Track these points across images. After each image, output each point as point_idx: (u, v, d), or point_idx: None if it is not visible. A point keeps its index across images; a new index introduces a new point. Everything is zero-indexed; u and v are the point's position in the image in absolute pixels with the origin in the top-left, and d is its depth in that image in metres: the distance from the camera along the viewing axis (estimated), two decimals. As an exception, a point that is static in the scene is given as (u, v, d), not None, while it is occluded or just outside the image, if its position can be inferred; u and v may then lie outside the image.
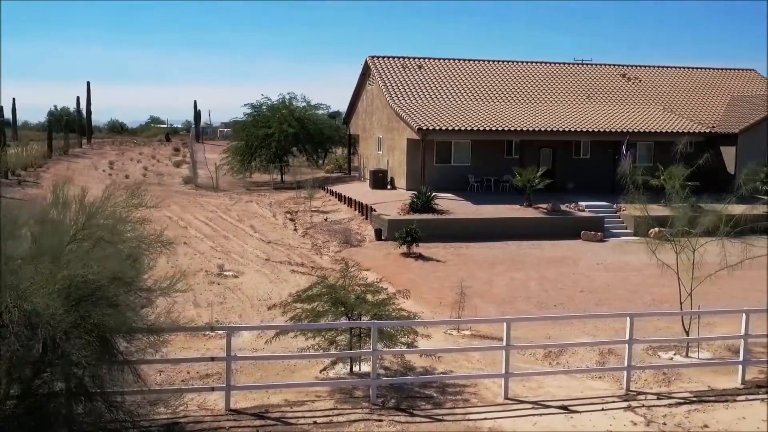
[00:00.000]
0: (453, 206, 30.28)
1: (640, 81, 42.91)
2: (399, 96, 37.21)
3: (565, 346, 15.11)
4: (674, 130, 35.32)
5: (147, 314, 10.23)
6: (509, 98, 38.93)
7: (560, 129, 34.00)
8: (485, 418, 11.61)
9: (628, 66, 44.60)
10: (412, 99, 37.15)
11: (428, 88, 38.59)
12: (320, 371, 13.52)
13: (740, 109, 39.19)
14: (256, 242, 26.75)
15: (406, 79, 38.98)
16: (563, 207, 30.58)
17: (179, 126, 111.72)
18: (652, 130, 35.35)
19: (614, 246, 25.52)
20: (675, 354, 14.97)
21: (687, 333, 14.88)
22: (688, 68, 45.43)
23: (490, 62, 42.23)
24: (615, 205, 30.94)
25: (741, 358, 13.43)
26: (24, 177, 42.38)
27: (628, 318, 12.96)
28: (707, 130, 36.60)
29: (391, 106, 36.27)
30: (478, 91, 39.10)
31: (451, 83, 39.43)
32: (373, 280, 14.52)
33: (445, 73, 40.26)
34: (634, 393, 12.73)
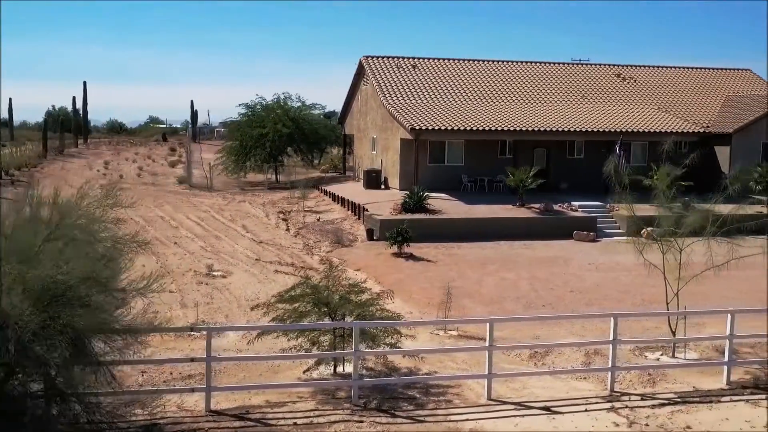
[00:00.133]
0: (446, 206, 30.21)
1: (635, 81, 42.85)
2: (393, 96, 37.14)
3: (550, 346, 15.03)
4: (668, 130, 35.23)
5: (123, 315, 10.14)
6: (504, 98, 38.87)
7: (554, 129, 33.93)
8: (467, 419, 11.54)
9: (623, 66, 44.54)
10: (406, 99, 37.08)
11: (422, 88, 38.53)
12: (303, 372, 13.46)
13: (735, 109, 39.13)
14: (247, 242, 26.67)
15: (401, 79, 38.91)
16: (556, 207, 30.52)
17: (178, 126, 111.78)
18: (647, 130, 35.28)
19: (606, 246, 25.46)
20: (662, 354, 14.91)
21: (673, 333, 14.82)
22: (684, 68, 45.37)
23: (485, 62, 42.17)
24: (608, 205, 30.86)
25: (726, 359, 13.36)
26: (18, 177, 42.29)
27: (612, 318, 12.88)
28: (701, 130, 36.54)
29: (384, 106, 36.20)
30: (473, 91, 39.03)
31: (446, 83, 39.36)
32: (358, 280, 14.44)
33: (439, 73, 40.19)
34: (618, 394, 12.66)
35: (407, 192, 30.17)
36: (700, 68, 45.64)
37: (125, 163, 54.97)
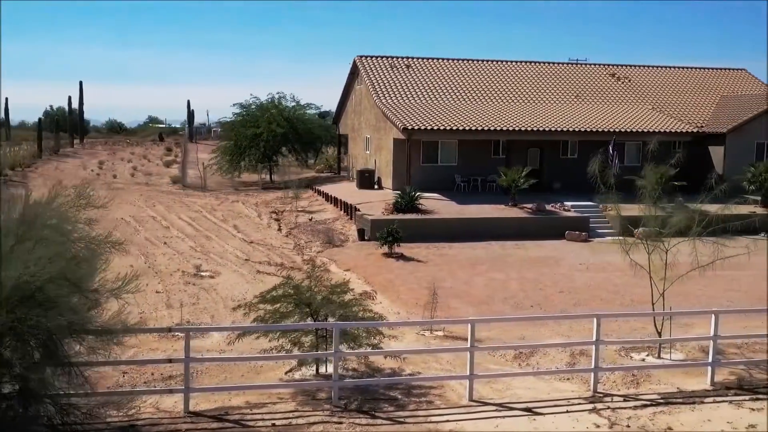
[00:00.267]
0: (438, 206, 30.13)
1: (629, 81, 42.78)
2: (386, 95, 37.06)
3: (534, 347, 14.95)
4: (662, 130, 35.19)
5: (97, 316, 10.05)
6: (498, 98, 38.79)
7: (547, 129, 33.85)
8: (447, 420, 11.47)
9: (617, 65, 44.47)
10: (399, 98, 37.00)
11: (416, 87, 38.45)
12: (286, 373, 13.39)
13: (729, 109, 39.06)
14: (237, 242, 26.58)
15: (394, 79, 38.84)
16: (548, 207, 30.44)
17: (178, 126, 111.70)
18: (641, 130, 35.18)
19: (598, 246, 25.37)
20: (648, 355, 14.82)
21: (659, 334, 14.73)
22: (679, 68, 45.29)
23: (480, 62, 42.09)
24: (601, 205, 30.76)
25: (710, 360, 13.28)
26: (11, 177, 42.21)
27: (594, 319, 12.81)
28: (695, 130, 36.46)
29: (377, 106, 36.12)
30: (467, 91, 38.95)
31: (440, 83, 39.28)
32: (343, 280, 14.36)
33: (433, 73, 40.12)
34: (601, 395, 12.59)
35: (399, 192, 30.08)
36: (696, 68, 45.57)
37: (120, 163, 54.87)
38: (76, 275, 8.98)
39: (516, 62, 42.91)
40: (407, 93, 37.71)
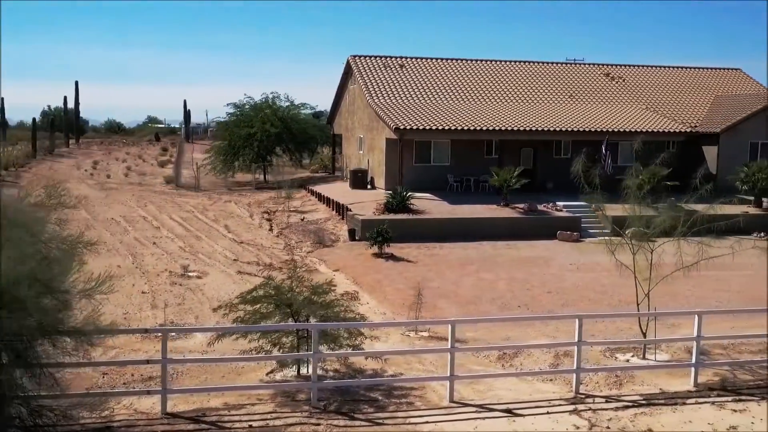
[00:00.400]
0: (429, 206, 30.04)
1: (623, 80, 42.71)
2: (379, 95, 36.98)
3: (516, 347, 14.86)
4: (656, 130, 35.14)
5: (71, 317, 9.96)
6: (491, 98, 38.71)
7: (540, 129, 33.76)
8: (426, 422, 11.39)
9: (612, 65, 44.40)
10: (392, 98, 36.92)
11: (409, 87, 38.37)
12: (267, 374, 13.30)
13: (724, 109, 38.98)
14: (227, 243, 26.49)
15: (388, 79, 38.76)
16: (540, 207, 30.36)
17: (177, 126, 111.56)
18: (634, 130, 35.07)
19: (589, 246, 25.25)
20: (632, 356, 14.74)
21: (644, 335, 14.66)
22: (674, 67, 45.22)
23: (474, 61, 42.03)
24: (593, 205, 30.64)
25: (693, 360, 13.20)
26: (4, 177, 42.10)
27: (576, 320, 12.73)
28: (688, 130, 36.38)
29: (370, 106, 36.04)
30: (460, 91, 38.88)
31: (433, 82, 39.20)
32: (323, 281, 14.27)
33: (427, 73, 40.05)
34: (583, 396, 12.50)
35: (390, 192, 30.00)
36: (690, 68, 45.49)
37: (115, 163, 54.78)
38: (47, 276, 8.88)
39: (510, 62, 42.85)
40: (401, 93, 37.64)
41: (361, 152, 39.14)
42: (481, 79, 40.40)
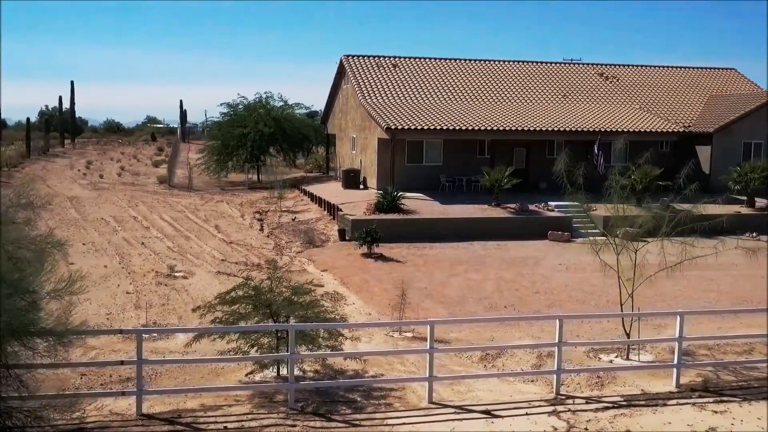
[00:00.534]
0: (420, 206, 29.95)
1: (618, 80, 42.61)
2: (372, 95, 36.88)
3: (497, 348, 14.73)
4: (649, 130, 35.04)
5: (44, 318, 9.86)
6: (484, 97, 38.61)
7: (533, 129, 33.66)
8: (403, 423, 11.30)
9: (606, 65, 44.30)
10: (385, 98, 36.81)
11: (402, 87, 38.27)
12: (246, 375, 13.20)
13: (718, 109, 38.89)
14: (216, 243, 26.37)
15: (381, 78, 38.66)
16: (532, 207, 30.26)
17: (176, 126, 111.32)
18: (627, 130, 34.95)
19: (580, 246, 25.13)
20: (616, 356, 14.65)
21: (627, 335, 14.56)
22: (668, 67, 45.12)
23: (467, 61, 41.93)
24: (585, 205, 30.55)
25: (675, 361, 13.10)
26: (-3, 177, 41.99)
27: (557, 320, 12.63)
28: (681, 130, 36.28)
29: (362, 105, 35.94)
30: (454, 90, 38.77)
31: (426, 82, 39.11)
32: (304, 281, 14.18)
33: (420, 72, 39.94)
34: (564, 397, 12.41)
35: (381, 192, 29.89)
36: (685, 67, 45.39)
37: (109, 163, 54.64)
38: (14, 276, 8.77)
39: (504, 61, 42.74)
40: (393, 92, 37.54)
41: (354, 152, 39.05)
42: (475, 78, 40.30)
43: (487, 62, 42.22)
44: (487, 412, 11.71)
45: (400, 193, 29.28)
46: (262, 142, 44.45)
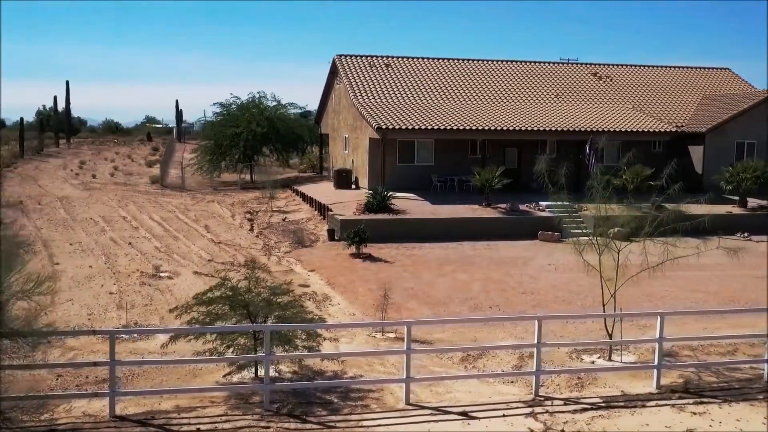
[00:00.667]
0: (411, 206, 29.84)
1: (611, 80, 42.52)
2: (364, 95, 36.78)
3: (477, 349, 14.61)
4: (641, 129, 34.94)
5: (9, 319, 9.76)
6: (477, 97, 38.51)
7: (524, 128, 33.56)
8: (379, 425, 11.20)
9: (600, 65, 44.20)
10: (377, 98, 36.71)
11: (395, 86, 38.17)
12: (223, 376, 13.08)
13: (711, 108, 38.80)
14: (205, 243, 26.26)
15: (373, 78, 38.57)
16: (522, 207, 30.16)
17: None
18: (619, 129, 34.87)
19: (570, 246, 25.03)
20: (599, 357, 14.55)
21: (610, 336, 14.46)
22: (662, 67, 45.03)
23: (460, 61, 41.83)
24: (576, 205, 30.47)
25: (656, 362, 13.00)
26: (-12, 177, 41.90)
27: (536, 321, 12.54)
28: (674, 129, 36.17)
29: (354, 105, 35.83)
30: (446, 90, 38.67)
31: (419, 82, 39.00)
32: (283, 282, 14.08)
33: (413, 72, 39.85)
34: (542, 398, 12.31)
35: (371, 192, 29.78)
36: (679, 67, 45.30)
37: (103, 163, 54.52)
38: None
39: (497, 61, 42.64)
40: (386, 92, 37.44)
41: (346, 152, 38.95)
42: (468, 78, 40.19)
43: (480, 62, 42.13)
44: (464, 414, 11.61)
45: (390, 193, 29.18)
46: (254, 142, 44.34)
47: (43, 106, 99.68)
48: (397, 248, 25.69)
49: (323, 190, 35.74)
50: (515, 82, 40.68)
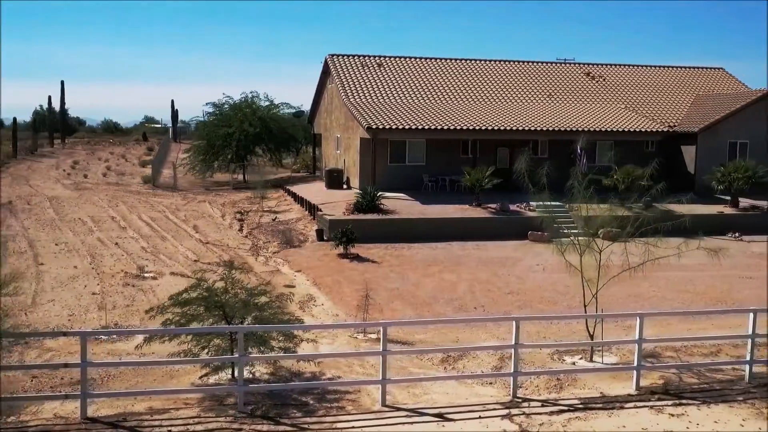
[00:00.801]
0: (401, 206, 29.74)
1: (604, 79, 42.42)
2: (356, 94, 36.68)
3: (452, 350, 14.47)
4: (633, 129, 34.85)
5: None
6: (469, 97, 38.41)
7: (515, 128, 33.46)
8: (353, 427, 11.09)
9: (593, 64, 44.11)
10: (369, 97, 36.61)
11: (387, 86, 38.07)
12: (200, 377, 12.95)
13: (703, 108, 38.71)
14: (192, 243, 26.14)
15: (365, 78, 38.47)
16: (513, 207, 30.06)
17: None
18: (611, 129, 34.77)
19: (559, 247, 24.94)
20: (581, 358, 14.44)
21: (591, 337, 14.36)
22: (656, 67, 44.95)
23: (452, 60, 41.74)
24: (567, 205, 30.33)
25: (635, 363, 12.89)
26: (-21, 177, 41.78)
27: (513, 322, 12.43)
28: (666, 129, 36.06)
29: (345, 105, 35.73)
30: (438, 90, 38.57)
31: (411, 82, 38.91)
32: (259, 283, 13.97)
33: (405, 72, 39.75)
34: (520, 400, 12.20)
35: (360, 192, 29.67)
36: (673, 67, 45.22)
37: (97, 163, 54.40)
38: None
39: (490, 61, 42.55)
40: (378, 92, 37.33)
41: (339, 152, 38.85)
42: (460, 78, 40.10)
43: (473, 62, 42.04)
44: (439, 416, 11.49)
45: (380, 193, 29.07)
46: (247, 142, 44.21)
47: (40, 106, 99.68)
48: (386, 248, 25.58)
49: (315, 191, 35.63)
50: (508, 82, 40.58)
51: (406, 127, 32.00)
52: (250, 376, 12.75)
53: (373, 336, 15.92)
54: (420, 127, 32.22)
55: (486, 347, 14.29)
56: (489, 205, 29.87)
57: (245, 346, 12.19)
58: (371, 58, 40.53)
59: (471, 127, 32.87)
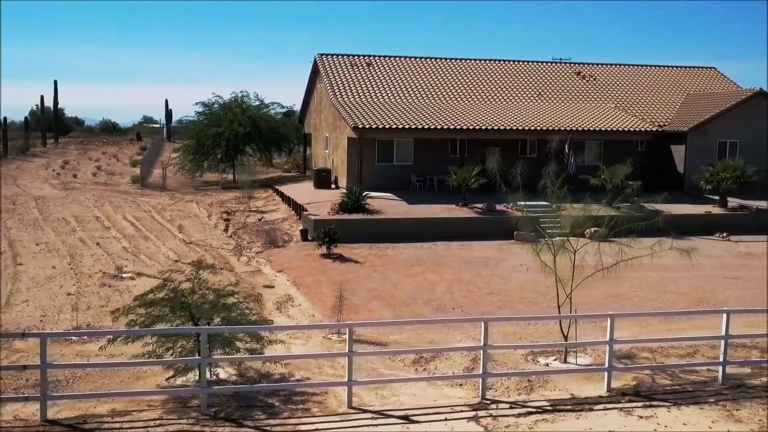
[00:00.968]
0: (386, 206, 29.58)
1: (595, 79, 42.27)
2: (344, 94, 36.52)
3: (424, 351, 14.32)
4: (622, 129, 34.70)
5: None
6: (458, 96, 38.26)
7: (503, 128, 33.30)
8: (317, 429, 10.95)
9: (584, 64, 43.95)
10: (357, 97, 36.46)
11: (376, 86, 37.92)
12: (166, 379, 12.79)
13: (694, 108, 38.56)
14: (175, 243, 25.98)
15: (354, 77, 38.32)
16: (499, 207, 29.88)
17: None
18: (600, 129, 34.62)
19: (544, 247, 24.79)
20: (555, 359, 14.30)
21: (565, 338, 14.22)
22: (648, 66, 44.80)
23: (442, 60, 41.59)
24: (554, 205, 30.19)
25: (606, 365, 12.75)
26: (-32, 177, 41.60)
27: (482, 323, 12.28)
28: (656, 129, 35.92)
29: (333, 104, 35.57)
30: (428, 89, 38.42)
31: (400, 81, 38.76)
32: (228, 283, 13.82)
33: (394, 71, 39.60)
34: (488, 401, 12.05)
35: (346, 191, 29.52)
36: (664, 66, 45.06)
37: (88, 162, 54.21)
38: None
39: (480, 60, 42.39)
40: (366, 91, 37.18)
41: (327, 151, 38.70)
42: (450, 77, 39.95)
43: (463, 61, 41.88)
44: (405, 417, 11.35)
45: (366, 193, 28.90)
46: (237, 142, 44.02)
47: (36, 106, 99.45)
48: (370, 248, 25.43)
49: (303, 190, 35.46)
50: (498, 82, 40.44)
51: (393, 126, 31.85)
52: (216, 377, 12.59)
53: (347, 337, 15.76)
54: (407, 126, 32.06)
55: (456, 348, 14.15)
56: (475, 205, 29.73)
57: (211, 348, 12.05)
58: (360, 57, 40.39)
59: (458, 127, 32.72)
